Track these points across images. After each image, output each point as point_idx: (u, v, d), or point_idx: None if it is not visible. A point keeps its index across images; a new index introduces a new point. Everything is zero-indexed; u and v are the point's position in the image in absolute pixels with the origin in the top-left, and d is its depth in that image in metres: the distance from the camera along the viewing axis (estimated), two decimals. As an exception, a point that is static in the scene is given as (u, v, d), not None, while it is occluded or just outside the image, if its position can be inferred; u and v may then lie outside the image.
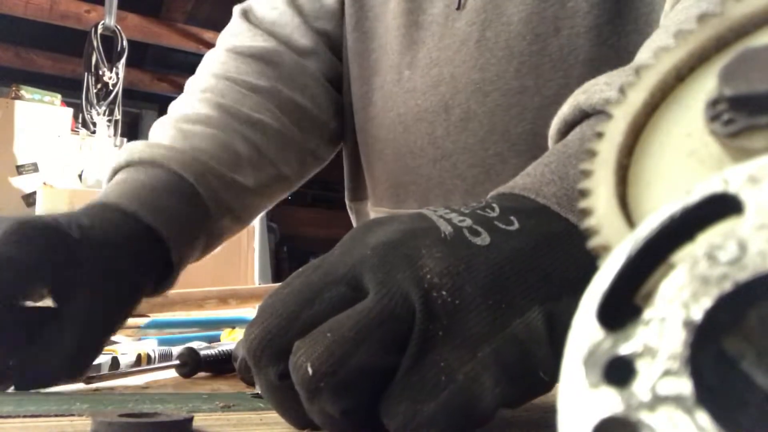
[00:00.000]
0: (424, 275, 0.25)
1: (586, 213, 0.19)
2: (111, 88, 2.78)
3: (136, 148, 0.57)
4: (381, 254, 0.26)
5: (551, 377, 0.25)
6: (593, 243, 0.18)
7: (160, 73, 4.72)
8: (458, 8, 0.60)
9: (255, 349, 0.26)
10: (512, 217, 0.28)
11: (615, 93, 0.31)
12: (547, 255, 0.27)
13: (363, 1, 0.70)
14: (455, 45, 0.60)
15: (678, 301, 0.13)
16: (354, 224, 0.76)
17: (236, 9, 0.75)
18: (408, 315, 0.24)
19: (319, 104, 0.73)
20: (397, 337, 0.24)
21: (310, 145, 0.72)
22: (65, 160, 2.55)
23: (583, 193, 0.19)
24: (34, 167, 2.51)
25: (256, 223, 1.28)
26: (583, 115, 0.34)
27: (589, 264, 0.19)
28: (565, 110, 0.35)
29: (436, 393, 0.24)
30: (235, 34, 0.73)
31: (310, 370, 0.24)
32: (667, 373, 0.12)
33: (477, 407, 0.24)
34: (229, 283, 1.03)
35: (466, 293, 0.25)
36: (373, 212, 0.73)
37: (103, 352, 0.53)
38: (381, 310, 0.24)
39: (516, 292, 0.26)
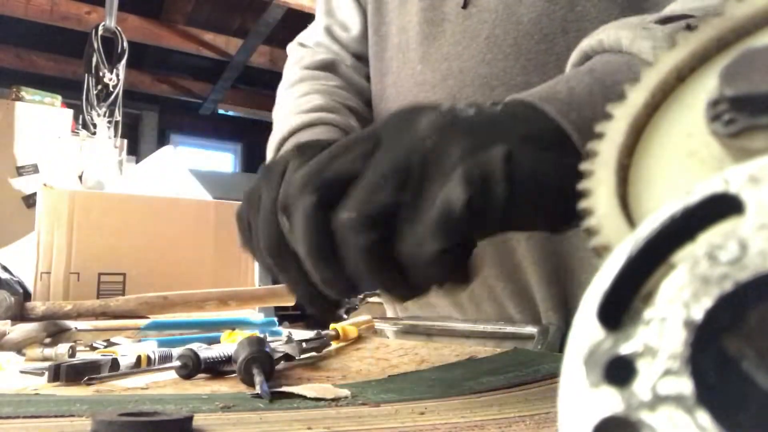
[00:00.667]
0: (418, 130, 0.34)
1: (586, 213, 0.19)
2: (111, 89, 2.78)
3: (296, 120, 0.66)
4: (393, 121, 0.36)
5: (506, 201, 0.32)
6: (594, 243, 0.18)
7: (160, 75, 4.72)
8: (464, 6, 0.62)
9: (297, 182, 0.34)
10: (498, 105, 0.36)
11: (628, 33, 0.38)
12: (518, 121, 0.35)
13: (382, 8, 0.75)
14: (465, 41, 0.63)
15: (679, 300, 0.13)
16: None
17: (291, 44, 0.88)
18: (408, 162, 0.33)
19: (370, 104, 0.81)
20: (403, 179, 0.33)
21: None
22: (65, 161, 2.54)
23: (584, 193, 0.19)
24: (35, 168, 2.51)
25: (257, 225, 1.28)
26: (586, 59, 0.41)
27: (551, 138, 0.33)
28: (572, 59, 0.42)
29: (425, 218, 0.32)
30: (300, 58, 0.83)
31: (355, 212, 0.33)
32: (667, 372, 0.12)
33: (451, 218, 0.31)
34: (229, 285, 1.03)
35: (448, 139, 0.33)
36: None
37: (103, 354, 0.53)
38: (390, 159, 0.33)
39: (486, 137, 0.33)
